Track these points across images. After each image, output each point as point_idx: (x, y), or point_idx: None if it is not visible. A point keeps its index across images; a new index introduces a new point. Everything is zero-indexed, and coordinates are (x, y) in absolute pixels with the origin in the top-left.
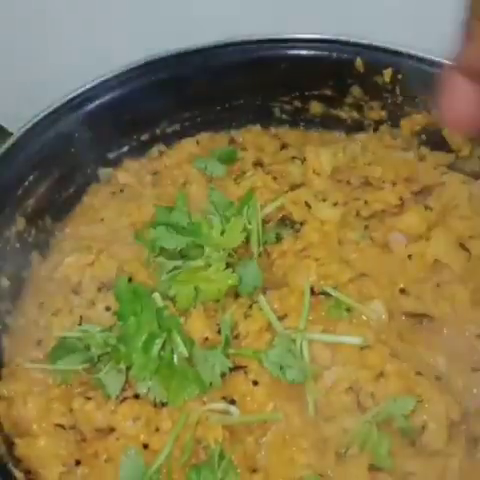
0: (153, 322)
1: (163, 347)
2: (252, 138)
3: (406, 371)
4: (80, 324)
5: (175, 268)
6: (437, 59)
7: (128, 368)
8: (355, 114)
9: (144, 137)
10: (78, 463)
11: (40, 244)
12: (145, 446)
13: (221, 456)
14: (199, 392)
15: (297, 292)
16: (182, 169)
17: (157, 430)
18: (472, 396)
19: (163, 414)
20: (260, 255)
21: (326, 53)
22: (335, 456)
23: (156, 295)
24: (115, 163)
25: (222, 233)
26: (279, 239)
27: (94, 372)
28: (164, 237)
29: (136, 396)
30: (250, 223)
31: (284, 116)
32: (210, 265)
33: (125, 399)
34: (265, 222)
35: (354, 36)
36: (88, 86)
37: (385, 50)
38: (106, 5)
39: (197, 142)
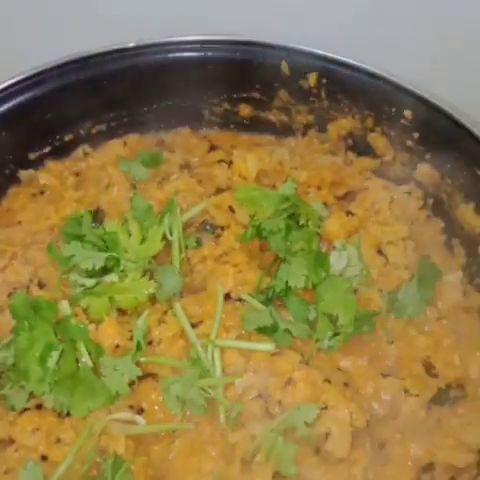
0: (49, 334)
1: (65, 357)
2: (181, 140)
3: (314, 378)
4: None
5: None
6: (361, 65)
7: (28, 381)
8: (284, 117)
9: (68, 137)
10: None
11: None
12: (44, 458)
13: (116, 466)
14: (105, 402)
15: (214, 298)
16: (106, 171)
17: (58, 441)
18: (381, 401)
19: (65, 425)
20: (181, 262)
21: (251, 56)
22: (241, 464)
23: (64, 303)
24: (37, 164)
25: (141, 242)
26: (200, 244)
27: None
28: (80, 254)
29: (38, 406)
30: (171, 233)
31: (214, 118)
32: (126, 274)
33: (26, 410)
34: (186, 226)
35: (280, 39)
36: (3, 85)
37: (310, 54)
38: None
39: (124, 143)
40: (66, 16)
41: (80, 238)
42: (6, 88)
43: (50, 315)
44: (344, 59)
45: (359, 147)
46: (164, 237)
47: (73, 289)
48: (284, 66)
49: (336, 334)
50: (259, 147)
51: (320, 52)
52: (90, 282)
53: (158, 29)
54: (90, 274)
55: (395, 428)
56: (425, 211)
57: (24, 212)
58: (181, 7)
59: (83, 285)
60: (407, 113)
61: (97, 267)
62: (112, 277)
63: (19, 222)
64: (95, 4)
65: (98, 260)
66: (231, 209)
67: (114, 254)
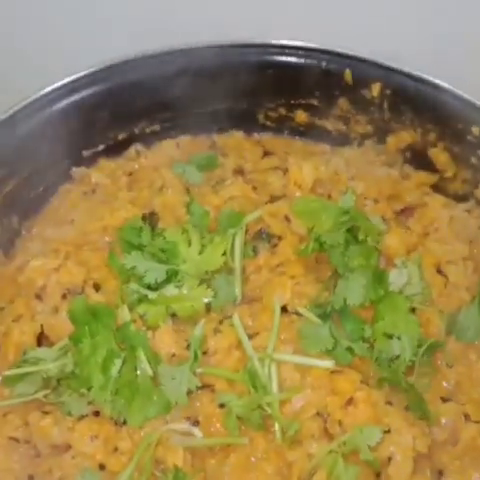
0: (111, 341)
1: (126, 365)
2: (234, 144)
3: (375, 399)
4: (41, 332)
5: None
6: (428, 78)
7: (89, 389)
8: (341, 126)
9: (121, 136)
10: (31, 479)
11: (4, 244)
12: (102, 466)
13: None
14: (161, 411)
15: (270, 309)
16: (159, 172)
17: (115, 450)
18: (440, 426)
19: (122, 433)
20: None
21: (315, 62)
22: None
23: (124, 308)
24: (90, 162)
25: (200, 252)
26: (255, 253)
27: (54, 396)
28: (141, 266)
29: (96, 413)
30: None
31: (268, 123)
32: (183, 283)
33: (84, 416)
34: None
35: (345, 47)
36: (63, 81)
37: (375, 64)
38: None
39: (177, 145)
40: (130, 16)
41: (140, 248)
42: (64, 85)
43: (110, 321)
44: (410, 71)
45: (417, 161)
46: (225, 252)
47: (130, 296)
48: (347, 74)
49: (397, 357)
50: (314, 155)
51: (386, 63)
52: (153, 295)
53: (217, 31)
54: (151, 286)
55: (454, 455)
56: None
57: (76, 211)
58: (240, 11)
59: (147, 299)
60: (475, 130)
61: (159, 280)
62: (171, 290)
63: (71, 221)
64: (156, 4)
65: (160, 273)
66: (287, 218)
67: (174, 266)
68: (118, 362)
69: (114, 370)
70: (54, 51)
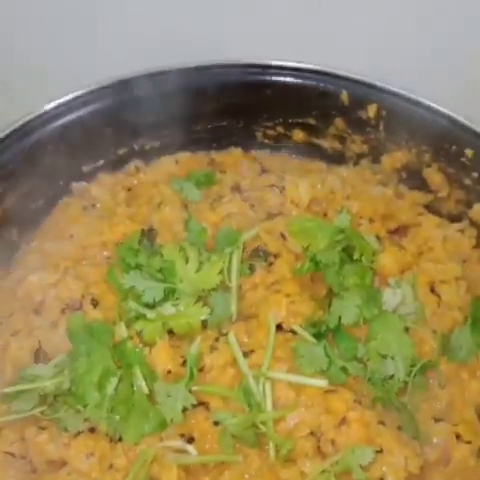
0: (107, 359)
1: (122, 383)
2: (232, 161)
3: (368, 419)
4: (39, 348)
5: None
6: (423, 100)
7: (85, 406)
8: (337, 145)
9: (121, 152)
10: None
11: (3, 257)
12: None
13: None
14: (157, 428)
15: (266, 327)
16: (158, 188)
17: (110, 467)
18: (432, 446)
19: (118, 450)
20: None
21: (312, 83)
22: None
23: (121, 325)
24: (89, 177)
25: (197, 269)
26: (252, 270)
27: (51, 412)
28: (139, 285)
29: (92, 429)
30: (230, 265)
31: (266, 141)
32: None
33: (80, 433)
34: None
35: (341, 69)
36: (64, 99)
37: (371, 86)
38: (103, 16)
39: (176, 161)
40: (130, 34)
41: (138, 267)
42: (66, 103)
43: (107, 339)
44: (406, 94)
45: (412, 181)
46: (221, 271)
47: (128, 312)
48: (344, 96)
49: (390, 377)
50: (310, 173)
51: (381, 85)
52: (151, 314)
53: (217, 51)
54: (149, 305)
55: (446, 475)
56: (478, 251)
57: (75, 225)
58: (241, 30)
59: (144, 316)
60: (468, 152)
61: (157, 299)
62: (169, 309)
63: (70, 236)
64: (158, 22)
65: (157, 292)
66: (283, 236)
67: (171, 285)
68: (114, 380)
69: (110, 388)
70: (55, 68)
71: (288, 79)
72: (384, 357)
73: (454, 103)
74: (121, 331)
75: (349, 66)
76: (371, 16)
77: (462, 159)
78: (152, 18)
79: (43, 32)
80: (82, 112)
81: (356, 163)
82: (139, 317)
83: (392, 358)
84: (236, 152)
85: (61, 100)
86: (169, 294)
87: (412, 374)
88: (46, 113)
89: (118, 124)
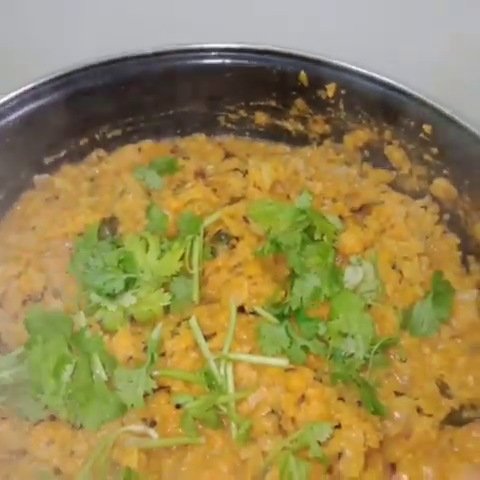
0: (63, 347)
1: (79, 370)
2: (196, 147)
3: (328, 396)
4: None
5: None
6: (381, 77)
7: (43, 394)
8: (300, 126)
9: (83, 141)
10: None
11: None
12: (57, 471)
13: None
14: (118, 414)
15: (228, 310)
16: (121, 177)
17: (71, 453)
18: (393, 421)
19: (79, 437)
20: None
21: (270, 64)
22: None
23: (80, 315)
24: (52, 168)
25: (159, 257)
26: (214, 254)
27: (11, 402)
28: (100, 278)
29: (53, 417)
30: (191, 252)
31: (229, 125)
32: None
33: (40, 421)
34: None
35: (299, 49)
36: (20, 90)
37: (329, 65)
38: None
39: (139, 149)
40: (84, 21)
41: (99, 257)
42: (23, 93)
43: (65, 328)
44: (364, 71)
45: (375, 159)
46: (182, 258)
47: (88, 302)
48: (302, 76)
49: (351, 355)
50: (274, 156)
51: (339, 63)
52: (112, 306)
53: (176, 35)
54: (110, 295)
55: (407, 448)
56: (441, 226)
57: (38, 217)
58: (199, 14)
59: (105, 308)
60: (426, 128)
61: (117, 291)
62: (130, 299)
63: (33, 228)
64: (113, 9)
65: (118, 283)
66: (246, 219)
67: (132, 275)
68: (69, 367)
69: (66, 375)
70: (12, 56)
71: (246, 62)
72: (345, 336)
73: (412, 80)
74: (80, 320)
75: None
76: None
77: (421, 135)
78: (120, 2)
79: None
80: (38, 103)
81: (319, 144)
82: (99, 306)
83: (353, 337)
84: (200, 138)
85: (16, 92)
86: (130, 284)
87: (372, 352)
88: (2, 105)
89: (77, 114)
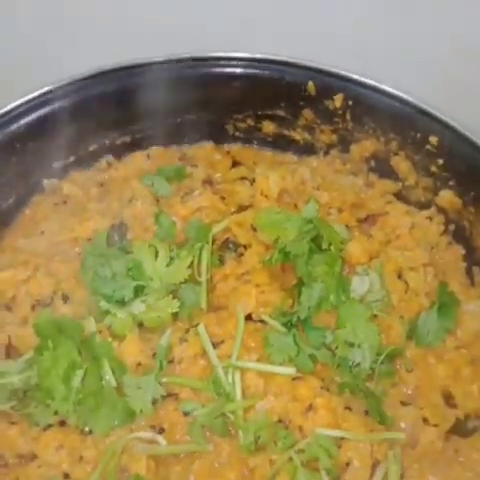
0: (73, 352)
1: (89, 376)
2: (204, 154)
3: (335, 405)
4: (9, 343)
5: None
6: (388, 88)
7: (52, 399)
8: (307, 136)
9: (92, 147)
10: None
11: None
12: (66, 476)
13: None
14: (127, 421)
15: (236, 317)
16: (129, 184)
17: (80, 459)
18: (399, 430)
19: (87, 442)
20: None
21: (279, 74)
22: None
23: (90, 320)
24: (61, 174)
25: (168, 264)
26: (222, 262)
27: (21, 407)
28: (110, 286)
29: (62, 423)
30: (200, 260)
31: (237, 134)
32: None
33: (50, 426)
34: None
35: (307, 60)
36: (31, 96)
37: (337, 76)
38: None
39: (148, 156)
40: (97, 28)
41: (108, 266)
42: (34, 98)
43: (75, 333)
44: (372, 82)
45: (381, 169)
46: (191, 265)
47: (98, 308)
48: (310, 86)
49: (357, 365)
50: (281, 165)
51: (347, 74)
52: (121, 313)
53: (187, 44)
54: (119, 303)
55: (413, 458)
56: (446, 237)
57: (47, 222)
58: (210, 23)
59: (115, 315)
60: (433, 139)
61: (127, 298)
62: (139, 306)
63: (42, 232)
64: (125, 18)
65: (127, 291)
66: (253, 228)
67: (141, 283)
68: (80, 373)
69: (76, 381)
70: (23, 63)
71: (255, 71)
72: (351, 345)
73: (419, 91)
74: (90, 325)
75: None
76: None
77: (427, 146)
78: (134, 8)
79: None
80: (49, 109)
81: (326, 153)
82: (109, 311)
83: (359, 346)
84: (208, 146)
85: (26, 97)
86: (139, 291)
87: (379, 362)
88: (12, 110)
89: (87, 120)
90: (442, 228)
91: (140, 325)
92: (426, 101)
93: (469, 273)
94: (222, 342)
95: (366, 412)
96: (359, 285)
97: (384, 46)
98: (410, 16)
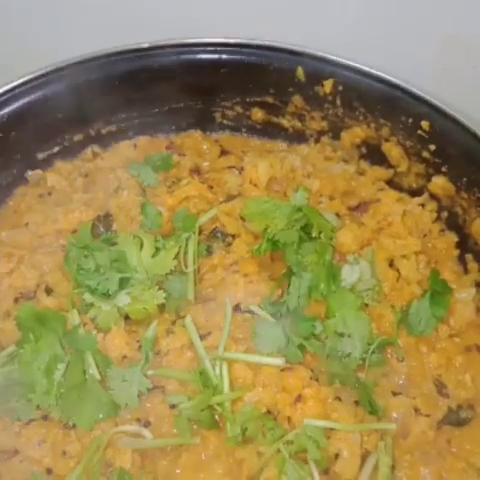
0: (55, 345)
1: (71, 369)
2: (192, 143)
3: (324, 396)
4: None
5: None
6: (378, 73)
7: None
8: (297, 123)
9: (77, 137)
10: None
11: None
12: (49, 471)
13: None
14: (111, 414)
15: (224, 308)
16: (115, 173)
17: (63, 454)
18: (391, 420)
19: (71, 437)
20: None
21: (267, 60)
22: None
23: (74, 313)
24: (45, 165)
25: (153, 255)
26: (210, 252)
27: (2, 402)
28: (94, 278)
29: (45, 417)
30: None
31: (225, 122)
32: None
33: (32, 421)
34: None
35: (296, 45)
36: (13, 84)
37: (327, 61)
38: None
39: (134, 145)
40: (79, 15)
41: (92, 258)
42: (15, 87)
43: (58, 326)
44: (361, 67)
45: (372, 156)
46: (176, 256)
47: (82, 300)
48: (299, 72)
49: (347, 355)
50: (270, 153)
51: (337, 59)
52: (106, 306)
53: (172, 30)
54: (104, 295)
55: (405, 448)
56: (439, 224)
57: (31, 214)
58: (195, 8)
59: (99, 308)
60: (425, 124)
61: (111, 291)
62: (125, 299)
63: (26, 224)
64: (108, 4)
65: (112, 283)
66: (242, 217)
67: (126, 275)
68: (62, 366)
69: (58, 374)
70: (3, 52)
71: (242, 57)
72: (341, 335)
73: (410, 76)
74: (73, 318)
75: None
76: None
77: (419, 132)
78: None
79: None
80: (31, 98)
81: (317, 141)
82: (93, 304)
83: (349, 336)
84: (195, 134)
85: (8, 86)
86: (123, 283)
87: (369, 352)
88: None
89: (71, 109)
90: (435, 215)
91: (126, 317)
92: (417, 85)
93: (462, 261)
94: (209, 333)
95: (356, 402)
96: (349, 274)
97: (383, 41)
98: (407, 11)
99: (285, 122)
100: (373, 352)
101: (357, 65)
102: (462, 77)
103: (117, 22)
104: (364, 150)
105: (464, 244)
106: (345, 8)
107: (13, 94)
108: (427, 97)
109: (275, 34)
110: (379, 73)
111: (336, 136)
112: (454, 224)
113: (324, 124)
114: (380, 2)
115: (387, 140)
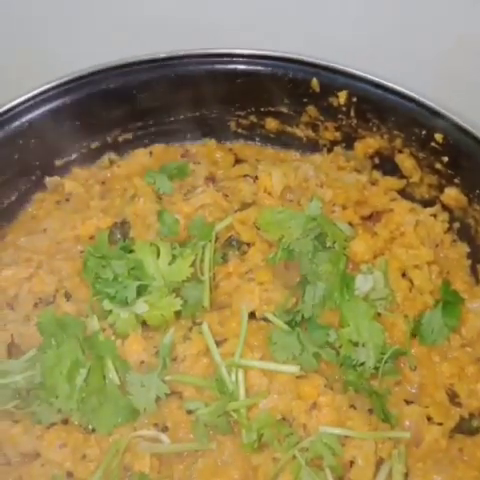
0: (76, 351)
1: (92, 374)
2: (206, 151)
3: (339, 403)
4: (11, 342)
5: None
6: (392, 85)
7: (56, 398)
8: (310, 133)
9: (94, 145)
10: None
11: None
12: (69, 474)
13: None
14: (130, 419)
15: (239, 316)
16: (132, 181)
17: (83, 457)
18: (404, 429)
19: (91, 441)
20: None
21: (282, 71)
22: None
23: (93, 319)
24: (63, 171)
25: (170, 262)
26: (225, 260)
27: (24, 406)
28: (112, 286)
29: (65, 421)
30: (203, 258)
31: (240, 130)
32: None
33: (53, 425)
34: None
35: (311, 56)
36: (34, 92)
37: (341, 72)
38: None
39: (150, 153)
40: (98, 24)
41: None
42: (36, 95)
43: (78, 332)
44: (376, 79)
45: (385, 167)
46: (193, 264)
47: (101, 307)
48: (314, 83)
49: (361, 364)
50: (284, 162)
51: (352, 70)
52: (124, 313)
53: (189, 40)
54: (122, 302)
55: (417, 457)
56: (451, 235)
57: (49, 220)
58: (212, 19)
59: (118, 315)
60: (438, 137)
61: (129, 299)
62: (142, 306)
63: (44, 230)
64: (127, 14)
65: (130, 291)
66: (256, 225)
67: (143, 282)
68: (83, 371)
69: (79, 379)
70: (24, 60)
71: (258, 68)
72: (356, 344)
73: (424, 88)
74: (93, 324)
75: (322, 53)
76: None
77: (432, 144)
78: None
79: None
80: (52, 106)
81: (330, 150)
82: (112, 311)
83: (363, 345)
84: (210, 143)
85: (28, 94)
86: (141, 291)
87: (383, 361)
88: (14, 108)
89: (89, 117)
90: (447, 226)
91: (143, 324)
92: (430, 98)
93: (474, 271)
94: (225, 340)
95: (370, 410)
96: (363, 283)
97: (386, 43)
98: (412, 12)
99: (299, 132)
100: (386, 361)
101: (372, 77)
102: (466, 82)
103: (133, 32)
104: (377, 160)
105: (476, 255)
106: (345, 8)
107: (32, 103)
108: (441, 110)
109: (275, 34)
110: (393, 85)
111: (349, 146)
112: (466, 235)
113: (337, 134)
114: (380, 2)
115: (400, 151)
